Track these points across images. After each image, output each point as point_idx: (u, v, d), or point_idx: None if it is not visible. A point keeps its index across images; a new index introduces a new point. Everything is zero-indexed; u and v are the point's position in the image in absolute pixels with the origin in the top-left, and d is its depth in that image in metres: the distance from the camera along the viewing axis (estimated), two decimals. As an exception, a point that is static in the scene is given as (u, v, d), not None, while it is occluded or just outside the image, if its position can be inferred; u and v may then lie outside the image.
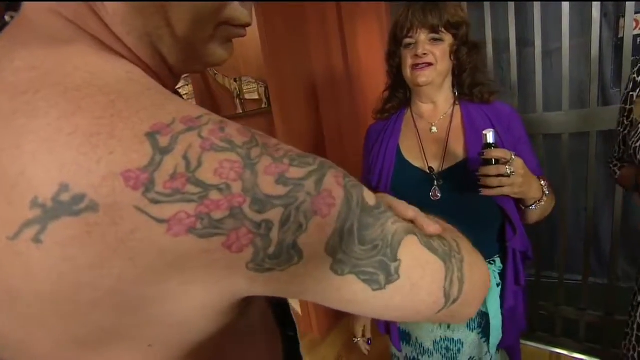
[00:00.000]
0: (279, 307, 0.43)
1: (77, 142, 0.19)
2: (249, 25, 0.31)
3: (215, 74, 2.09)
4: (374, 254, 0.25)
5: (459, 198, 0.77)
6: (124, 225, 0.19)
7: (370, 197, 0.26)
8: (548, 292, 1.56)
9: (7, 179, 0.19)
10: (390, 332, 0.92)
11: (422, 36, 0.79)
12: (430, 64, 0.79)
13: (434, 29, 0.78)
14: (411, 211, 0.31)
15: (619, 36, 1.55)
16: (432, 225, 0.30)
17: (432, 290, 0.27)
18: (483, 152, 0.68)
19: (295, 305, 1.94)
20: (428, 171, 0.81)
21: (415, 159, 0.84)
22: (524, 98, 1.64)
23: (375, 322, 0.99)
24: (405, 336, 0.92)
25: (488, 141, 0.67)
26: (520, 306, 0.87)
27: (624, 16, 1.15)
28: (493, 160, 0.67)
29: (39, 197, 0.18)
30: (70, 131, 0.19)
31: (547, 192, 0.77)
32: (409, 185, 0.82)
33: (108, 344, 0.22)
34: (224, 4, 0.27)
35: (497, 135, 0.69)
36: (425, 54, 0.78)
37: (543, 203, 0.77)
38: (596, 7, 1.18)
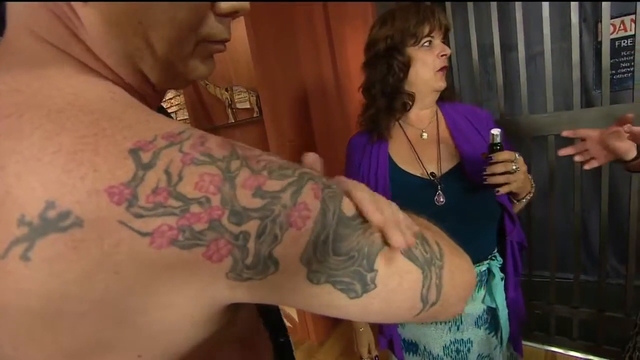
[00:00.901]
0: (271, 314, 0.44)
1: (62, 160, 0.19)
2: (227, 41, 0.31)
3: (207, 84, 2.10)
4: (349, 264, 0.25)
5: (461, 200, 0.78)
6: (108, 240, 0.19)
7: (348, 208, 0.26)
8: (541, 291, 1.58)
9: None
10: (393, 345, 0.89)
11: (439, 38, 0.79)
12: (446, 67, 0.80)
13: (447, 31, 0.80)
14: (378, 215, 0.27)
15: (598, 40, 1.60)
16: (399, 239, 0.26)
17: (409, 296, 0.28)
18: (491, 152, 0.70)
19: (291, 312, 1.93)
20: (430, 177, 0.80)
21: (411, 167, 0.83)
22: (509, 101, 1.68)
23: (377, 338, 0.97)
24: (411, 346, 0.89)
25: (496, 141, 0.70)
26: (520, 297, 0.88)
27: (601, 21, 1.19)
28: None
29: (26, 215, 0.19)
30: (54, 150, 0.19)
31: (533, 185, 0.81)
32: (411, 194, 0.81)
33: (97, 355, 0.22)
34: (201, 22, 0.28)
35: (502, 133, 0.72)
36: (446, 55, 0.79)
37: (530, 196, 0.80)
38: (575, 13, 1.22)
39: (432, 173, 0.81)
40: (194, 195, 0.21)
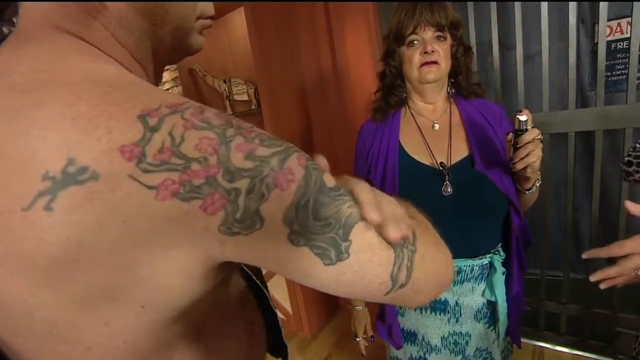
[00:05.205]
0: (259, 298, 0.46)
1: (80, 125, 0.22)
2: (213, 16, 0.39)
3: (205, 75, 2.09)
4: (327, 230, 0.27)
5: (468, 191, 0.80)
6: (119, 192, 0.22)
7: (329, 180, 0.29)
8: (531, 288, 1.61)
9: (20, 160, 0.22)
10: (392, 333, 0.90)
11: (429, 34, 0.80)
12: (436, 62, 0.80)
13: (440, 27, 0.80)
14: (374, 215, 0.29)
15: (595, 41, 1.61)
16: (394, 233, 0.29)
17: (379, 272, 0.29)
18: (516, 138, 0.69)
19: (285, 304, 1.95)
20: (439, 167, 0.82)
21: (420, 156, 0.84)
22: (507, 100, 1.69)
23: (374, 325, 0.97)
24: (410, 336, 0.91)
25: (522, 127, 0.69)
26: (522, 293, 0.90)
27: (599, 22, 1.20)
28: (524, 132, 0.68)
29: (50, 171, 0.21)
30: (73, 116, 0.22)
31: (541, 172, 0.81)
32: (418, 182, 0.83)
33: (104, 303, 0.25)
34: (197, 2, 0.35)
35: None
36: (433, 51, 0.79)
37: (538, 183, 0.81)
38: (573, 14, 1.23)
39: (441, 163, 0.82)
40: (194, 155, 0.23)
